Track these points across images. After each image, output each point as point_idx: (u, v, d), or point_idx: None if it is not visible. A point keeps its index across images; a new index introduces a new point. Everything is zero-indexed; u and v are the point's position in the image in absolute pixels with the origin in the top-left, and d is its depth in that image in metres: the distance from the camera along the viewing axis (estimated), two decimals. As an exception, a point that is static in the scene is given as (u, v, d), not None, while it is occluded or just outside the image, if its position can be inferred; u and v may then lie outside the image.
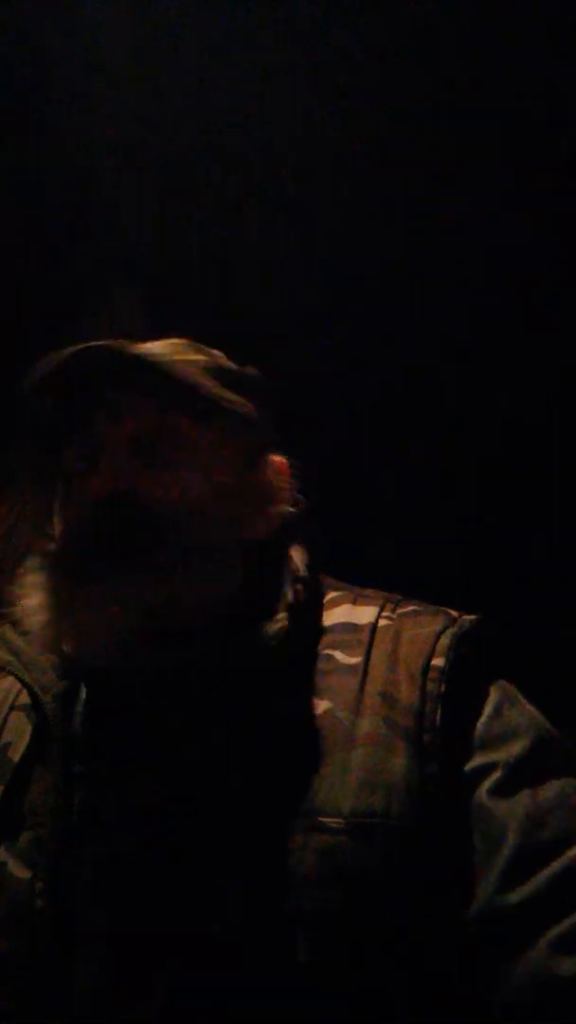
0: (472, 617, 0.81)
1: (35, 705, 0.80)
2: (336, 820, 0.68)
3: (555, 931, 0.65)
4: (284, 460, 0.91)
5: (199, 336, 0.92)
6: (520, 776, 0.72)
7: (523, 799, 0.70)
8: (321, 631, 0.81)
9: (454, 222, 2.10)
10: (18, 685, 0.84)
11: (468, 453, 2.10)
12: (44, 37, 1.90)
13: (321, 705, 0.74)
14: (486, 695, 0.77)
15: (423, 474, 2.11)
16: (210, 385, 0.85)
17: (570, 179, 1.99)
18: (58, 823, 0.73)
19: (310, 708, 0.74)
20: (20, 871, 0.72)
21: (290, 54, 1.94)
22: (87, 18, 1.87)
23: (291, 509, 0.87)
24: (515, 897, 0.67)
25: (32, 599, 0.83)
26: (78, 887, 0.70)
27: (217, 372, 0.87)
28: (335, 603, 0.84)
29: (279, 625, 0.76)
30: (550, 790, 0.71)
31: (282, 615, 0.77)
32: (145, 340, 0.89)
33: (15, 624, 0.85)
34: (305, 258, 2.16)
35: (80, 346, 0.81)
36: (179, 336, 0.91)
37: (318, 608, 0.83)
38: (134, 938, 0.67)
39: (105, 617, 0.76)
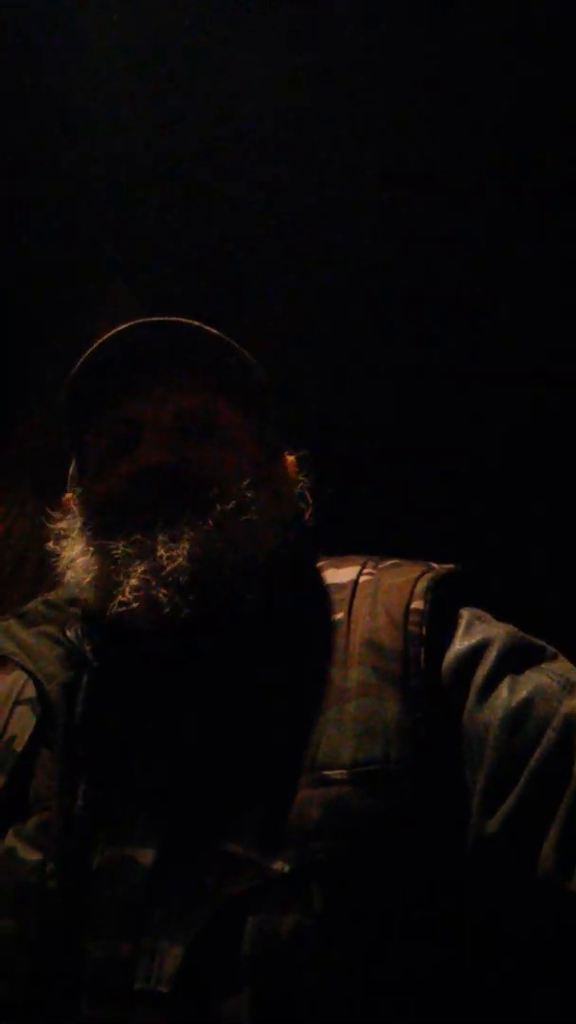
0: (449, 565, 0.82)
1: (39, 694, 0.81)
2: (339, 772, 0.69)
3: (547, 845, 0.65)
4: (294, 458, 0.95)
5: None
6: (496, 674, 0.73)
7: (500, 698, 0.71)
8: (311, 597, 0.83)
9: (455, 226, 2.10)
10: (22, 680, 0.85)
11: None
12: (44, 37, 1.90)
13: (312, 664, 0.76)
14: (458, 619, 0.78)
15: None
16: (257, 377, 0.89)
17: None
18: (63, 806, 0.74)
19: (302, 669, 0.76)
20: (29, 854, 0.73)
21: (290, 51, 1.94)
22: (88, 19, 1.87)
23: (302, 504, 0.92)
24: (494, 823, 0.67)
25: (76, 554, 0.85)
26: (88, 866, 0.71)
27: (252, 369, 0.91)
28: (321, 570, 0.87)
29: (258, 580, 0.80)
30: (528, 682, 0.72)
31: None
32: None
33: (64, 584, 0.87)
34: (303, 256, 2.16)
35: (141, 321, 0.85)
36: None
37: (309, 576, 0.86)
38: (145, 909, 0.68)
39: (150, 571, 0.78)
